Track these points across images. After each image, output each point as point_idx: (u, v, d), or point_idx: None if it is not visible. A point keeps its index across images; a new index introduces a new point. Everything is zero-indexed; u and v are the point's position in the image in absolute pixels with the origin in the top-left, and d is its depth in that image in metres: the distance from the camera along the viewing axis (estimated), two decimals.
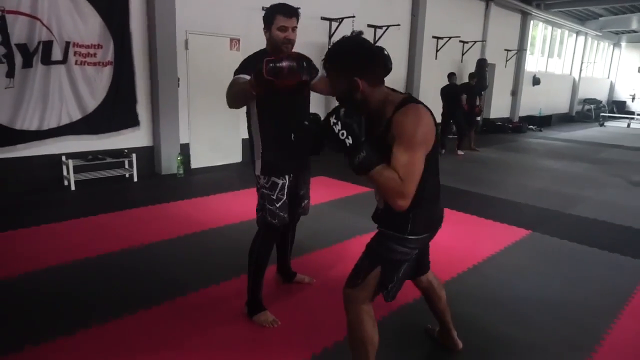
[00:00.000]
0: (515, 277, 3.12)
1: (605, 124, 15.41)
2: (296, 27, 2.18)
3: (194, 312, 2.50)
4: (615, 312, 2.67)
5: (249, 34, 6.17)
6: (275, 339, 2.28)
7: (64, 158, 4.95)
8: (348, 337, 1.84)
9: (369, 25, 8.15)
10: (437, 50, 10.01)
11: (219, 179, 5.65)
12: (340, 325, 2.36)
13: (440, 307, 2.15)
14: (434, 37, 9.76)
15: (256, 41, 6.14)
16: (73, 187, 4.86)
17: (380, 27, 8.26)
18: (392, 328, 2.39)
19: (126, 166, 5.41)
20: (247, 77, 2.04)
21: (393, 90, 1.69)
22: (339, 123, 1.47)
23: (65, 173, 4.96)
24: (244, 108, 2.30)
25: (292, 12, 2.15)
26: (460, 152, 8.21)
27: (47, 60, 4.66)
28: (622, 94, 19.85)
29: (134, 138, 5.50)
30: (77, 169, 4.93)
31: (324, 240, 3.59)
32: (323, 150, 1.67)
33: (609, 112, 17.33)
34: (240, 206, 4.45)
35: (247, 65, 2.12)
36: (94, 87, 5.05)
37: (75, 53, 4.85)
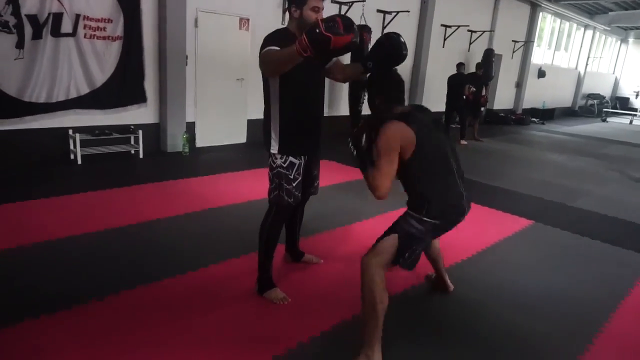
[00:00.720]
0: (518, 266, 3.18)
1: (608, 119, 15.41)
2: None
3: (204, 287, 2.55)
4: (616, 304, 2.73)
5: (259, 14, 6.13)
6: (285, 316, 2.33)
7: (71, 132, 4.95)
8: (361, 298, 2.01)
9: (379, 11, 8.09)
10: (444, 39, 9.94)
11: (224, 159, 5.68)
12: (348, 304, 2.43)
13: (433, 254, 2.61)
14: (442, 25, 9.69)
15: (265, 21, 6.17)
16: (79, 162, 4.88)
17: (390, 13, 8.19)
18: (398, 311, 2.45)
19: (132, 142, 5.42)
20: (274, 48, 2.05)
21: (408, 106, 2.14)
22: (350, 141, 2.15)
23: (72, 147, 4.97)
24: (261, 89, 2.31)
25: None
26: (463, 142, 8.23)
27: (56, 32, 4.64)
28: (626, 91, 19.80)
29: (140, 114, 5.50)
30: (83, 144, 4.94)
31: (329, 222, 3.64)
32: None
33: (612, 108, 17.30)
34: (247, 186, 4.48)
35: (274, 40, 2.11)
36: (102, 61, 5.03)
37: (85, 26, 4.82)
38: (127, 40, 5.15)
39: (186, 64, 5.69)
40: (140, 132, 5.30)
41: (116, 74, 5.15)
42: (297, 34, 2.20)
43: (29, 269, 2.62)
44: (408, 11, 8.33)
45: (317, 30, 1.70)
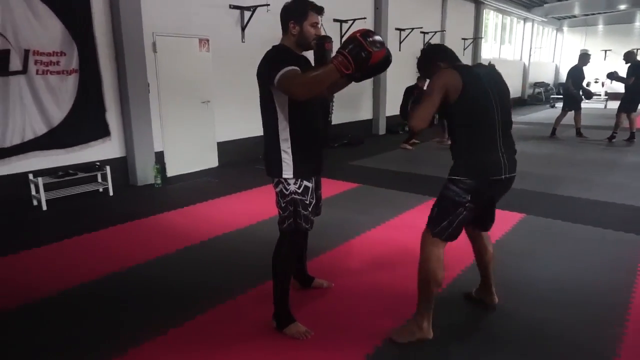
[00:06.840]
0: (525, 259, 3.17)
1: (556, 105, 16.17)
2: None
3: (221, 329, 2.34)
4: (630, 285, 2.75)
5: (218, 33, 5.94)
6: (313, 351, 2.16)
7: (31, 176, 4.56)
8: (418, 271, 2.15)
9: (335, 20, 8.09)
10: (400, 42, 10.10)
11: (200, 186, 5.42)
12: (374, 329, 2.30)
13: (486, 259, 2.43)
14: (396, 29, 9.84)
15: (226, 41, 5.98)
16: (45, 207, 4.48)
17: (346, 21, 8.21)
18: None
19: (99, 180, 5.07)
20: (295, 68, 1.92)
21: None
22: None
23: (34, 192, 4.57)
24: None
25: (322, 10, 2.16)
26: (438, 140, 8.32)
27: (4, 71, 4.27)
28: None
29: (105, 149, 5.17)
30: (47, 187, 4.56)
31: (330, 240, 3.50)
32: None
33: (556, 94, 18.20)
34: (233, 212, 4.28)
35: (286, 59, 1.99)
36: (59, 97, 4.68)
37: (36, 62, 4.47)
38: (84, 72, 4.83)
39: (148, 91, 5.41)
40: (108, 167, 4.97)
41: (75, 109, 4.81)
42: (295, 50, 2.11)
43: (14, 336, 2.32)
44: (365, 18, 8.39)
45: (354, 46, 1.72)
